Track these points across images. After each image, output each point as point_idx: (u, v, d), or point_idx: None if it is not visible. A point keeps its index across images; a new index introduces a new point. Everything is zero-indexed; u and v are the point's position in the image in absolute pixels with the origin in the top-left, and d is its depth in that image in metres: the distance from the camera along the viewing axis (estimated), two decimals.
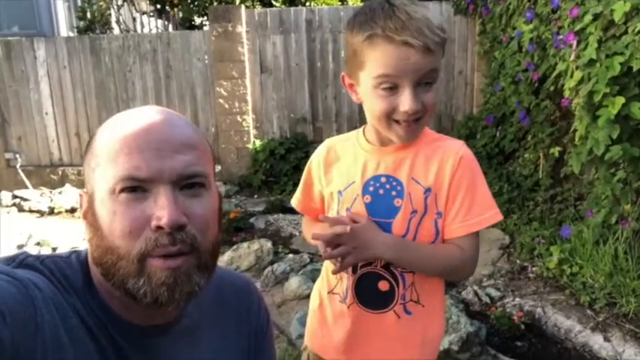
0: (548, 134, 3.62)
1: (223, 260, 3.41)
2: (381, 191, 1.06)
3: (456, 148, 1.05)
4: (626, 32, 2.34)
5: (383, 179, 1.06)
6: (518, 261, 3.10)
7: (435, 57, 0.95)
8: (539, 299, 2.66)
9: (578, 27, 2.58)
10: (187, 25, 6.51)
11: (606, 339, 2.31)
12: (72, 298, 0.67)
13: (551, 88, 3.43)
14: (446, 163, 1.04)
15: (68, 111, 5.72)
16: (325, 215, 1.12)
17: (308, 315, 1.26)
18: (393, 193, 1.05)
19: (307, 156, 5.08)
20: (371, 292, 1.09)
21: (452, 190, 1.03)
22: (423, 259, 1.04)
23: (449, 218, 1.04)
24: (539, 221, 3.39)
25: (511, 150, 4.31)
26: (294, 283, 3.01)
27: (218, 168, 5.59)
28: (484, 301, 2.72)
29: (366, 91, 1.01)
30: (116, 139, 0.67)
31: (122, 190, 0.66)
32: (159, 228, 0.65)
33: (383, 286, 1.08)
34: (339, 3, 6.17)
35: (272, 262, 3.38)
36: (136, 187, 0.66)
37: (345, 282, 1.13)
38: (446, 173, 1.03)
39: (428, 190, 1.04)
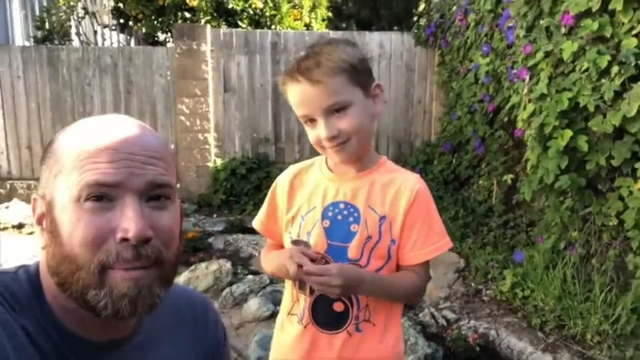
0: (501, 162, 3.79)
1: (180, 281, 3.34)
2: (339, 217, 1.13)
3: (413, 182, 1.13)
4: (574, 70, 2.50)
5: (342, 205, 1.13)
6: (473, 284, 3.20)
7: (330, 87, 1.03)
8: (493, 321, 2.74)
9: (530, 63, 2.74)
10: (150, 40, 6.44)
11: None
12: (20, 317, 0.64)
13: (505, 119, 3.61)
14: (402, 194, 1.12)
15: (20, 122, 5.50)
16: (297, 239, 1.15)
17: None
18: (350, 219, 1.12)
19: (269, 176, 5.15)
20: (326, 313, 1.14)
21: (408, 220, 1.11)
22: (392, 290, 1.12)
23: (407, 247, 1.12)
24: (493, 246, 3.52)
25: (466, 176, 4.48)
26: (253, 304, 2.98)
27: (177, 186, 5.48)
28: (441, 323, 2.78)
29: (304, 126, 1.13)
30: (83, 146, 0.66)
31: (87, 198, 0.64)
32: (124, 240, 0.64)
33: (338, 307, 1.13)
34: (304, 28, 6.28)
35: (231, 283, 3.33)
36: (101, 196, 0.64)
37: (301, 304, 1.16)
38: (401, 204, 1.11)
39: (383, 218, 1.11)
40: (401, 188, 1.13)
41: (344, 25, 8.11)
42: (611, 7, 2.30)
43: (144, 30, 6.39)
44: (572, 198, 2.74)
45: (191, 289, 0.99)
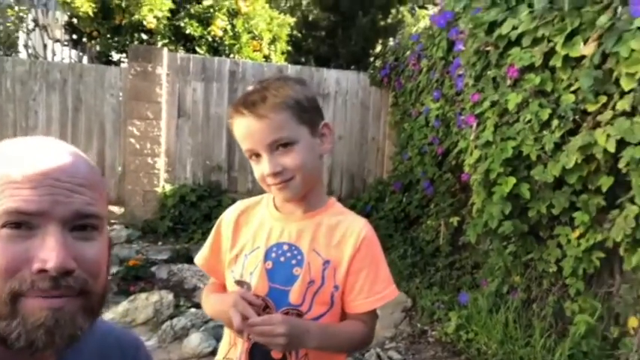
0: (449, 204, 3.89)
1: (117, 311, 3.17)
2: (282, 259, 1.09)
3: (359, 228, 1.11)
4: (518, 120, 2.63)
5: (285, 247, 1.10)
6: (419, 324, 3.21)
7: (275, 122, 1.02)
8: None
9: (478, 111, 2.87)
10: (104, 59, 6.28)
11: None
12: None
13: (453, 162, 3.73)
14: (348, 239, 1.09)
15: None
16: (240, 280, 1.10)
17: None
18: (293, 261, 1.08)
19: (220, 205, 5.05)
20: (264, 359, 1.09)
21: (353, 267, 1.08)
22: (340, 341, 1.08)
23: (352, 294, 1.09)
24: (440, 286, 3.57)
25: (416, 216, 4.56)
26: (194, 340, 2.86)
27: (121, 210, 5.28)
28: None
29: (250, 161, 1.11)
30: (6, 170, 0.62)
31: (4, 225, 0.60)
32: (42, 271, 0.59)
33: (276, 354, 1.08)
34: (263, 60, 6.33)
35: (172, 317, 3.18)
36: (20, 224, 0.60)
37: (239, 348, 1.11)
38: (347, 250, 1.08)
39: (327, 263, 1.08)
40: (347, 232, 1.10)
41: (303, 60, 8.26)
42: (551, 63, 2.44)
43: (98, 48, 6.23)
44: (514, 243, 2.83)
45: (121, 328, 0.91)
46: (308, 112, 1.07)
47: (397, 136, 5.17)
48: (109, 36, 5.88)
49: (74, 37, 6.43)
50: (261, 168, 1.05)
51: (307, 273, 1.06)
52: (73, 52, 7.20)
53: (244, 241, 1.14)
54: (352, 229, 1.10)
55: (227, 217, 1.20)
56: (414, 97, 4.58)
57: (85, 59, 6.92)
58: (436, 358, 2.81)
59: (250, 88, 1.07)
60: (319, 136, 1.10)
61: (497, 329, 2.71)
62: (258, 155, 1.05)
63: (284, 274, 1.07)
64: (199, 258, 1.24)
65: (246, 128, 1.04)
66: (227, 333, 1.17)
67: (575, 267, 2.46)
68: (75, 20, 6.07)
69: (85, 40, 6.27)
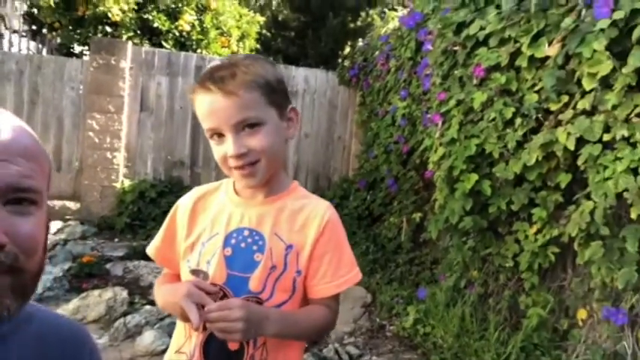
0: (411, 202, 3.93)
1: (68, 309, 3.03)
2: (242, 245, 1.03)
3: (323, 211, 1.07)
4: (482, 119, 2.68)
5: (246, 232, 1.04)
6: (378, 319, 3.21)
7: (244, 100, 0.96)
8: (394, 358, 2.75)
9: (443, 109, 2.90)
10: (65, 51, 6.07)
11: None
12: None
13: (417, 161, 3.77)
14: (311, 223, 1.05)
15: None
16: (195, 268, 1.04)
17: None
18: (254, 247, 1.03)
19: None
20: (219, 352, 1.03)
21: (317, 251, 1.04)
22: (302, 328, 1.03)
23: (316, 278, 1.05)
24: (399, 282, 3.59)
25: (379, 213, 4.59)
26: (147, 337, 2.76)
27: (77, 206, 5.09)
28: (344, 359, 2.74)
29: (210, 142, 1.04)
30: None
31: None
32: None
33: (232, 345, 1.03)
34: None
35: (125, 314, 3.07)
36: None
37: (193, 341, 1.05)
38: (310, 233, 1.04)
39: (289, 247, 1.03)
40: (310, 216, 1.06)
41: (271, 59, 8.18)
42: (517, 63, 2.50)
43: (59, 40, 6.02)
44: (474, 239, 2.87)
45: (67, 318, 0.83)
46: (277, 94, 1.02)
47: (363, 135, 5.20)
48: (71, 27, 5.70)
49: (33, 27, 6.20)
50: (223, 148, 0.98)
51: (269, 259, 1.01)
52: (32, 43, 6.95)
53: (201, 228, 1.08)
54: (316, 213, 1.06)
55: (183, 204, 1.13)
56: (381, 96, 4.62)
57: (44, 51, 6.69)
58: (393, 353, 2.81)
59: (216, 63, 1.01)
60: (286, 120, 1.05)
61: (454, 323, 2.73)
62: (221, 135, 0.99)
63: (244, 261, 1.02)
64: (151, 248, 1.16)
65: (210, 105, 0.96)
66: (181, 325, 1.10)
67: (531, 262, 2.51)
68: (35, 10, 5.85)
69: (45, 31, 6.05)
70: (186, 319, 0.96)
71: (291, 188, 1.10)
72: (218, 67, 1.00)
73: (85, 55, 5.91)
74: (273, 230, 1.04)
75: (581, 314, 2.36)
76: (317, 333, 1.10)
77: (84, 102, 5.10)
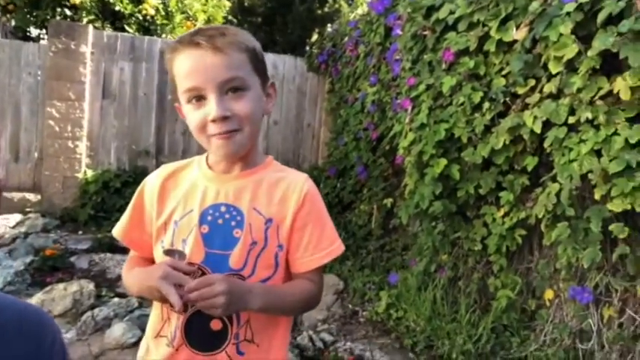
0: (381, 188, 3.94)
1: (32, 303, 2.92)
2: (219, 221, 0.99)
3: (301, 183, 1.04)
4: (451, 103, 2.69)
5: (223, 208, 1.00)
6: (350, 305, 3.22)
7: (233, 59, 0.93)
8: (368, 343, 2.77)
9: (413, 94, 2.91)
10: (21, 35, 5.79)
11: None
12: None
13: (387, 147, 3.78)
14: (290, 195, 1.02)
15: None
16: (170, 248, 0.99)
17: None
18: (233, 223, 0.99)
19: None
20: (202, 332, 1.00)
21: (297, 223, 1.02)
22: (287, 302, 1.01)
23: (299, 252, 1.02)
24: (371, 268, 3.62)
25: (349, 201, 4.60)
26: (117, 330, 2.69)
27: (37, 197, 4.90)
28: (318, 346, 2.74)
29: (185, 110, 0.99)
30: None
31: None
32: None
33: (215, 325, 1.00)
34: None
35: (93, 307, 2.98)
36: None
37: (173, 323, 1.01)
38: (290, 206, 1.02)
39: (269, 221, 1.00)
40: (289, 188, 1.03)
41: None
42: (485, 48, 2.52)
43: (13, 23, 5.74)
44: (443, 223, 2.90)
45: (25, 302, 0.78)
46: (262, 64, 1.00)
47: (333, 123, 5.18)
48: (27, 10, 5.43)
49: None
50: (203, 112, 0.93)
51: (249, 234, 0.98)
52: None
53: (173, 206, 1.03)
54: (294, 185, 1.03)
55: (151, 182, 1.08)
56: (350, 83, 4.60)
57: None
58: (367, 337, 2.83)
59: (202, 26, 0.98)
60: (266, 95, 1.03)
61: (426, 306, 2.77)
62: (200, 98, 0.93)
63: (223, 238, 0.98)
64: (118, 230, 1.10)
65: (196, 60, 0.91)
66: (157, 308, 1.05)
67: (499, 245, 2.56)
68: None
69: None
70: (164, 301, 0.92)
71: (267, 162, 1.08)
72: (205, 27, 0.96)
73: (43, 39, 5.65)
74: (251, 205, 1.00)
75: (548, 294, 2.42)
76: (302, 307, 1.06)
77: (43, 88, 4.88)
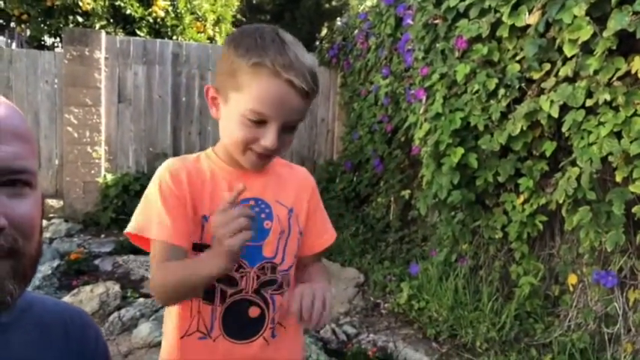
0: (398, 180, 3.94)
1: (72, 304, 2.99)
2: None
3: (308, 175, 1.16)
4: (465, 91, 2.68)
5: (252, 202, 1.03)
6: (372, 298, 3.23)
7: (305, 105, 0.97)
8: (391, 334, 2.78)
9: (427, 84, 2.89)
10: (36, 44, 5.89)
11: None
12: None
13: (402, 139, 3.77)
14: (303, 186, 1.12)
15: None
16: (200, 242, 0.98)
17: None
18: (262, 215, 1.03)
19: None
20: (240, 321, 1.02)
21: (310, 212, 1.12)
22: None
23: (312, 235, 1.12)
24: (390, 260, 3.62)
25: (366, 194, 4.60)
26: (144, 329, 2.74)
27: (60, 203, 4.99)
28: (341, 338, 2.76)
29: (231, 113, 0.96)
30: None
31: None
32: None
33: (253, 312, 1.02)
34: (208, 41, 6.14)
35: (119, 308, 3.04)
36: None
37: (206, 316, 1.02)
38: (304, 196, 1.11)
39: (291, 211, 1.07)
40: (301, 179, 1.13)
41: None
42: (498, 34, 2.50)
43: (28, 32, 5.84)
44: (462, 212, 2.89)
45: (65, 303, 0.80)
46: None
47: (347, 117, 5.17)
48: (40, 19, 5.51)
49: (1, 21, 6.00)
50: (257, 134, 0.94)
51: (277, 224, 1.04)
52: (1, 38, 6.73)
53: (199, 200, 1.01)
54: (304, 176, 1.15)
55: (175, 171, 1.01)
56: (362, 76, 4.59)
57: (14, 45, 6.48)
58: (390, 329, 2.84)
59: (289, 52, 0.91)
60: None
61: (448, 296, 2.77)
62: (262, 123, 0.94)
63: (254, 230, 0.95)
64: (163, 231, 0.96)
65: (281, 96, 0.92)
66: (183, 306, 1.02)
67: (519, 232, 2.54)
68: (1, 3, 5.66)
69: (13, 24, 5.85)
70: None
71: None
72: (296, 55, 0.91)
73: (57, 47, 5.75)
74: (275, 197, 1.06)
75: (572, 280, 2.41)
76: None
77: (60, 96, 4.96)
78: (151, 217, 0.98)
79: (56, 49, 5.68)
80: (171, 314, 1.07)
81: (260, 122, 0.94)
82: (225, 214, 0.84)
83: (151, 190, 1.01)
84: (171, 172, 1.02)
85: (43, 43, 5.92)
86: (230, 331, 1.02)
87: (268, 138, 0.94)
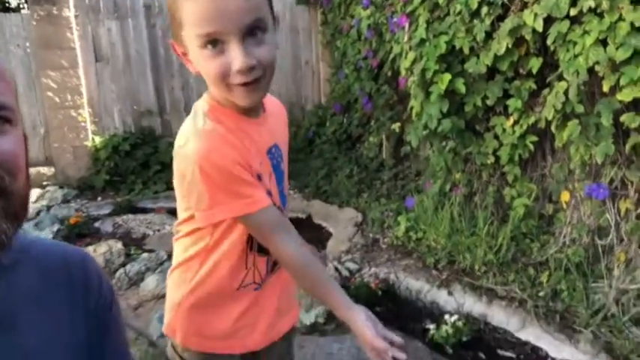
0: (388, 117, 3.89)
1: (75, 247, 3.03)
2: (274, 162, 1.04)
3: (281, 105, 1.16)
4: (448, 13, 2.60)
5: (273, 149, 1.04)
6: (371, 235, 3.28)
7: (257, 2, 0.86)
8: (392, 266, 2.84)
9: (409, 9, 2.80)
10: (0, 7, 5.64)
11: (450, 294, 2.55)
12: None
13: (389, 73, 3.69)
14: (284, 119, 1.15)
15: None
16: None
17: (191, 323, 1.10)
18: (279, 159, 1.06)
19: (157, 151, 4.83)
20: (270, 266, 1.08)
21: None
22: None
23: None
24: (387, 197, 3.64)
25: (358, 135, 4.56)
26: (151, 282, 2.82)
27: (51, 171, 4.95)
28: (344, 274, 2.82)
29: (194, 55, 0.88)
30: None
31: None
32: None
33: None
34: None
35: (124, 264, 3.10)
36: None
37: (260, 268, 1.05)
38: (286, 128, 1.15)
39: (284, 149, 1.11)
40: (282, 114, 1.14)
41: None
42: None
43: None
44: (454, 141, 2.88)
45: (65, 244, 0.78)
46: (272, 3, 0.92)
47: (331, 56, 5.04)
48: None
49: None
50: (224, 61, 0.84)
51: (285, 166, 1.08)
52: None
53: (252, 159, 0.96)
54: (281, 109, 1.15)
55: (225, 152, 0.92)
56: (343, 10, 4.43)
57: None
58: (390, 261, 2.90)
59: None
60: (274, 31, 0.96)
61: (444, 225, 2.81)
62: (217, 43, 0.84)
63: (280, 175, 1.05)
64: (264, 199, 0.94)
65: (216, 6, 0.81)
66: (236, 258, 1.01)
67: (511, 154, 2.55)
68: None
69: None
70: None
71: None
72: None
73: (23, 8, 5.49)
74: (280, 138, 1.08)
75: (565, 197, 2.43)
76: None
77: (34, 60, 4.81)
78: (241, 194, 0.92)
79: (22, 11, 5.44)
80: (221, 266, 1.02)
81: (218, 45, 0.85)
82: (386, 349, 0.90)
83: (217, 177, 0.90)
84: (222, 153, 0.92)
85: (7, 5, 5.66)
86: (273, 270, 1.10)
87: (235, 58, 0.84)
